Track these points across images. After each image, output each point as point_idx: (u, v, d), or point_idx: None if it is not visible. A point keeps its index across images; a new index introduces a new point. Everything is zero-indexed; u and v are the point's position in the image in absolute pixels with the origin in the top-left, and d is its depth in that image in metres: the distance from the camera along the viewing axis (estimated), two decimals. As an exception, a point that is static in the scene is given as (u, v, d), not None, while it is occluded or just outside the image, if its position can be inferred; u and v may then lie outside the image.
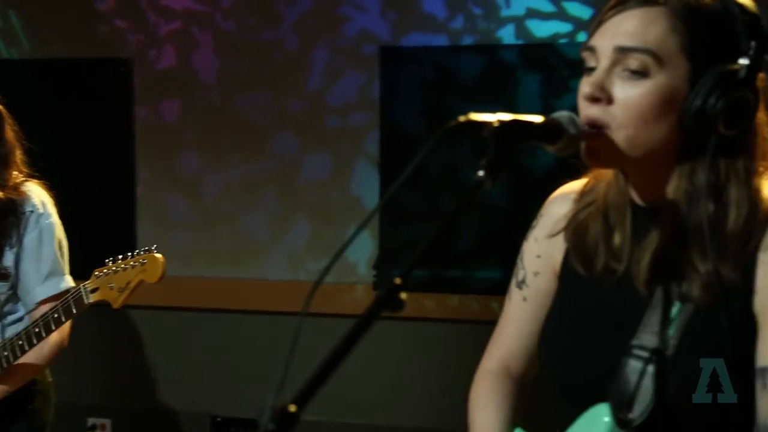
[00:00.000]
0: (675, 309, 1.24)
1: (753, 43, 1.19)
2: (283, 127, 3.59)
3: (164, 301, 3.60)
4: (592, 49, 1.25)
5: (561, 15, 3.32)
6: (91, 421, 3.80)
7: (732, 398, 1.20)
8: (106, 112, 3.71)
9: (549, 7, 3.33)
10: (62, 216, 2.37)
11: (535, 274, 1.45)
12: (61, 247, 2.35)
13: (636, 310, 1.27)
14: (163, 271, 2.07)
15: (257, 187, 3.62)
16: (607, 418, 1.25)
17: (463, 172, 3.31)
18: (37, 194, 2.33)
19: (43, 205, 2.33)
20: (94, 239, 3.15)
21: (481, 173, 1.07)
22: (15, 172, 2.34)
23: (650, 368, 1.23)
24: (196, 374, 3.71)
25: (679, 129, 1.21)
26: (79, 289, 2.13)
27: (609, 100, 1.21)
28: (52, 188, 2.38)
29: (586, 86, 1.23)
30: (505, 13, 3.37)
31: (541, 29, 3.34)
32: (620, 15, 1.23)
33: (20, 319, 2.37)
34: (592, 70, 1.24)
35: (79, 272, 2.33)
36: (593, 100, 1.21)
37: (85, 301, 2.12)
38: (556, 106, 3.28)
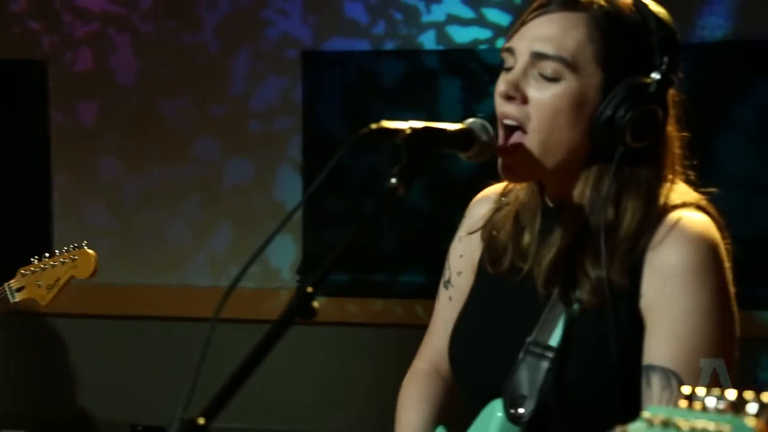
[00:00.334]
0: (568, 310, 1.27)
1: (666, 59, 1.23)
2: (204, 132, 3.56)
3: (84, 308, 3.53)
4: (510, 51, 1.28)
5: (480, 21, 3.36)
6: (6, 432, 3.71)
7: (617, 396, 1.23)
8: (20, 115, 3.62)
9: (469, 14, 3.37)
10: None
11: (459, 273, 1.48)
12: None
13: (534, 309, 1.30)
14: (95, 266, 2.05)
15: (179, 192, 3.58)
16: (500, 414, 1.29)
17: (386, 177, 3.31)
18: None
19: None
20: (9, 246, 3.08)
21: (393, 180, 1.09)
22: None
23: (542, 365, 1.26)
24: (116, 382, 3.65)
25: (589, 137, 1.24)
26: (4, 288, 2.08)
27: (524, 100, 1.25)
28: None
29: (502, 85, 1.27)
30: (426, 18, 3.40)
31: (462, 35, 3.37)
32: (541, 18, 1.26)
33: None
34: (509, 69, 1.27)
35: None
36: (508, 98, 1.25)
37: (11, 300, 2.07)
38: (477, 111, 3.33)
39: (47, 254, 2.08)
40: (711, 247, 1.23)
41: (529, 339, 1.28)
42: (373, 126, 1.09)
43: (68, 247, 2.07)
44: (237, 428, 3.32)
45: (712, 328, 1.22)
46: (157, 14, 3.55)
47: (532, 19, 1.27)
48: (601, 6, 1.25)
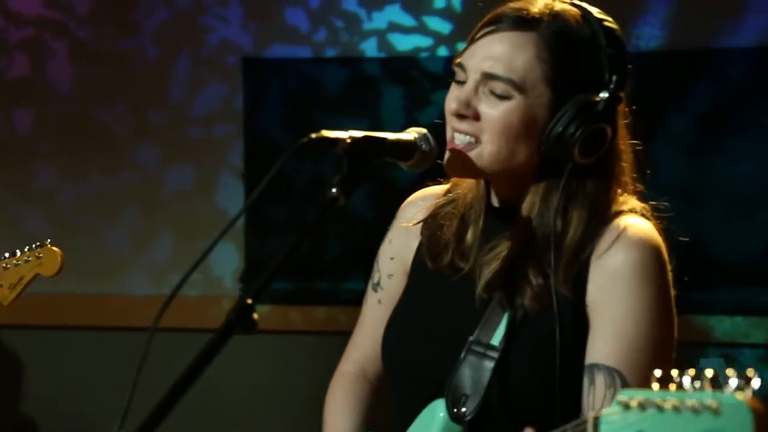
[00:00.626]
0: (510, 313, 1.29)
1: (614, 77, 1.25)
2: (143, 138, 3.51)
3: (20, 319, 3.44)
4: (461, 66, 1.30)
5: (422, 29, 3.38)
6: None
7: (558, 397, 1.25)
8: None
9: (410, 22, 3.38)
10: None
11: (389, 276, 1.48)
12: None
13: (476, 310, 1.32)
14: (61, 263, 2.03)
15: (117, 199, 3.53)
16: (442, 413, 1.29)
17: (329, 185, 3.32)
18: None
19: None
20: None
21: (334, 190, 1.09)
22: None
23: (485, 365, 1.27)
24: (53, 394, 3.58)
25: (538, 152, 1.27)
26: None
27: (475, 116, 1.27)
28: None
29: (453, 103, 1.28)
30: (367, 26, 3.41)
31: (403, 43, 3.38)
32: (492, 36, 1.28)
33: None
34: (460, 83, 1.28)
35: None
36: (460, 116, 1.27)
37: None
38: (419, 119, 3.38)
39: (7, 254, 2.05)
40: (655, 250, 1.27)
41: (471, 338, 1.29)
42: (313, 135, 1.10)
43: (31, 246, 2.04)
44: (178, 438, 3.28)
45: (655, 328, 1.25)
46: (94, 20, 3.50)
47: (483, 36, 1.29)
48: (550, 23, 1.27)
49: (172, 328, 3.48)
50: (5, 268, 2.03)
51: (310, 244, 3.44)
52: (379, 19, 3.40)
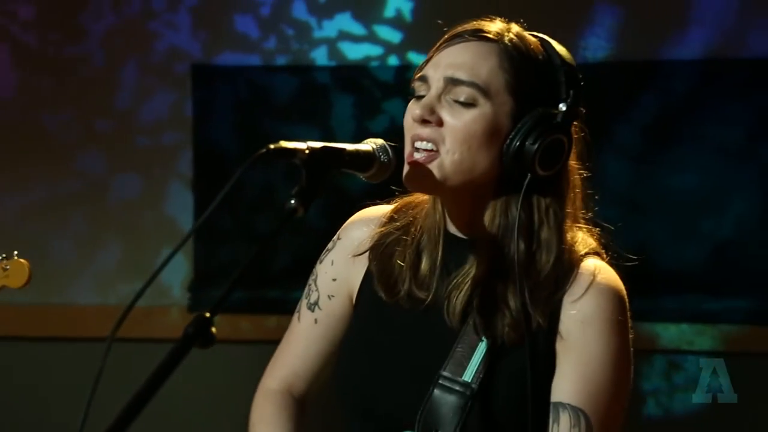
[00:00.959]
0: (483, 344, 1.29)
1: (571, 92, 1.27)
2: (90, 146, 3.46)
3: (-39, 330, 3.39)
4: (424, 78, 1.30)
5: (372, 38, 3.38)
6: None
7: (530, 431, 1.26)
8: None
9: (360, 30, 3.39)
10: None
11: (330, 297, 1.44)
12: None
13: (445, 341, 1.30)
14: (29, 274, 2.01)
15: (63, 207, 3.47)
16: None
17: (278, 194, 3.31)
18: None
19: None
20: None
21: (292, 202, 1.08)
22: None
23: (457, 400, 1.27)
24: (-3, 407, 3.51)
25: (499, 163, 1.27)
26: None
27: (439, 123, 1.27)
28: None
29: (417, 109, 1.27)
30: (317, 34, 3.40)
31: (353, 51, 3.39)
32: (455, 47, 1.29)
33: None
34: (422, 97, 1.29)
35: None
36: (423, 122, 1.26)
37: None
38: (370, 127, 3.38)
39: None
40: (623, 300, 1.31)
41: (442, 372, 1.28)
42: (272, 146, 1.09)
43: None
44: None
45: (619, 372, 1.29)
46: (38, 24, 3.44)
47: (445, 48, 1.30)
48: (511, 39, 1.29)
49: (119, 338, 3.46)
50: None
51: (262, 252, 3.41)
52: (330, 28, 3.40)
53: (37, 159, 3.46)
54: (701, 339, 3.23)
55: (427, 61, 1.32)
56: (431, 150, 1.27)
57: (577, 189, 1.35)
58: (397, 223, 1.39)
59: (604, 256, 1.35)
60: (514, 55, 1.28)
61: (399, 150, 1.26)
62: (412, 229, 1.36)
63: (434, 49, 1.32)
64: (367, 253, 1.40)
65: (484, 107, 1.26)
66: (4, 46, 3.44)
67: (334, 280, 1.44)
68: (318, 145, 1.13)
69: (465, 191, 1.29)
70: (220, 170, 3.40)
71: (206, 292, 3.39)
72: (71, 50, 3.45)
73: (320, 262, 1.47)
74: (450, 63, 1.28)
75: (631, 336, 1.32)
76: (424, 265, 1.33)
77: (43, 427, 3.50)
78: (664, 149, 3.25)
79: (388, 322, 1.36)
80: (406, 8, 3.36)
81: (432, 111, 1.26)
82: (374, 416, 1.34)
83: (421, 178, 1.27)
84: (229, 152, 3.41)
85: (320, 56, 3.40)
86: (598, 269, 1.30)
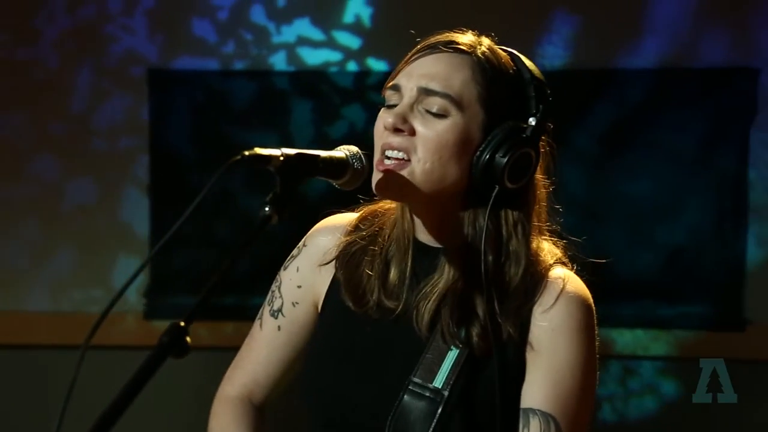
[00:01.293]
0: (452, 352, 1.29)
1: (541, 107, 1.29)
2: (43, 150, 3.41)
3: None
4: (396, 88, 1.30)
5: (331, 44, 3.38)
6: None
7: None
8: None
9: (319, 36, 3.38)
10: None
11: (294, 304, 1.44)
12: None
13: (414, 349, 1.31)
14: None
15: (15, 213, 3.41)
16: None
17: (236, 199, 3.29)
18: None
19: None
20: None
21: (267, 209, 1.07)
22: None
23: (427, 406, 1.27)
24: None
25: (468, 174, 1.28)
26: None
27: (411, 132, 1.27)
28: None
29: (389, 117, 1.27)
30: (276, 39, 3.39)
31: (312, 57, 3.38)
32: (428, 57, 1.30)
33: None
34: (393, 106, 1.29)
35: None
36: (396, 130, 1.27)
37: None
38: (329, 133, 3.38)
39: None
40: (590, 307, 1.33)
41: (412, 378, 1.29)
42: (246, 153, 1.08)
43: None
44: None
45: (587, 377, 1.31)
46: (-9, 26, 3.40)
47: (418, 58, 1.30)
48: (483, 52, 1.30)
49: (73, 345, 3.40)
50: None
51: (219, 258, 3.39)
52: (288, 33, 3.39)
53: (-12, 163, 3.41)
54: (656, 344, 3.28)
55: (398, 71, 1.32)
56: (402, 159, 1.27)
57: (543, 202, 1.36)
58: (363, 232, 1.39)
59: (570, 265, 1.36)
60: (486, 68, 1.29)
61: (371, 157, 1.26)
62: (380, 239, 1.36)
63: (406, 58, 1.32)
64: (333, 262, 1.40)
65: (456, 118, 1.27)
66: (-46, 48, 3.38)
67: (299, 287, 1.44)
68: (292, 151, 1.12)
69: (434, 201, 1.30)
70: (177, 176, 3.37)
71: (162, 298, 3.36)
72: (24, 53, 3.40)
73: (284, 269, 1.46)
74: (423, 73, 1.28)
75: (597, 342, 1.34)
76: (393, 274, 1.34)
77: (-7, 436, 3.43)
78: (619, 157, 3.30)
79: (356, 331, 1.36)
80: (366, 14, 3.37)
81: (404, 120, 1.27)
82: (342, 424, 1.34)
83: (391, 185, 1.27)
84: (187, 157, 3.38)
85: (279, 61, 3.39)
86: (566, 278, 1.32)
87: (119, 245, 3.40)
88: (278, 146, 1.12)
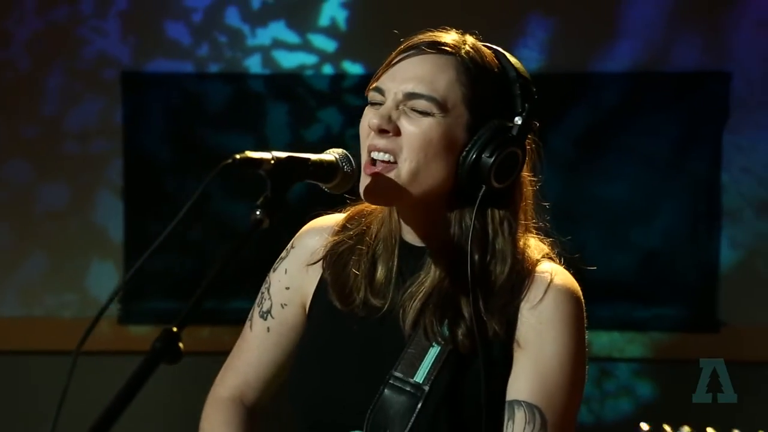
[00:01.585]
0: (434, 349, 1.29)
1: (527, 106, 1.28)
2: (14, 153, 3.37)
3: None
4: (379, 90, 1.29)
5: (306, 47, 3.37)
6: None
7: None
8: None
9: (294, 39, 3.37)
10: None
11: (283, 305, 1.44)
12: None
13: (398, 346, 1.31)
14: None
15: (-14, 217, 3.37)
16: None
17: (212, 203, 3.26)
18: None
19: None
20: None
21: (258, 213, 1.06)
22: None
23: (407, 400, 1.27)
24: None
25: (454, 174, 1.28)
26: None
27: (396, 132, 1.27)
28: None
29: (375, 118, 1.27)
30: (251, 42, 3.38)
31: (288, 60, 3.37)
32: (413, 59, 1.29)
33: None
34: (377, 104, 1.29)
35: None
36: (381, 131, 1.26)
37: None
38: (305, 136, 3.36)
39: None
40: (578, 300, 1.32)
41: (393, 372, 1.29)
42: (237, 156, 1.06)
43: None
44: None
45: (575, 371, 1.30)
46: (-40, 28, 3.35)
47: (403, 59, 1.30)
48: (468, 51, 1.30)
49: (46, 351, 3.37)
50: None
51: (195, 261, 3.37)
52: (264, 36, 3.38)
53: (-43, 167, 3.36)
54: (632, 346, 3.30)
55: (382, 71, 1.32)
56: (389, 161, 1.27)
57: (529, 200, 1.36)
58: (350, 232, 1.39)
59: (558, 260, 1.36)
60: (470, 68, 1.29)
61: (359, 158, 1.26)
62: (367, 238, 1.36)
63: (390, 59, 1.32)
64: (320, 262, 1.40)
65: (441, 119, 1.27)
66: None
67: (288, 288, 1.43)
68: (283, 155, 1.11)
69: (421, 202, 1.30)
70: (152, 179, 3.34)
71: (137, 303, 3.33)
72: (-6, 55, 3.37)
73: (273, 271, 1.46)
74: (408, 76, 1.28)
75: (586, 336, 1.33)
76: (380, 274, 1.34)
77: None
78: (594, 160, 3.32)
79: (342, 331, 1.36)
80: (341, 17, 3.36)
81: (389, 120, 1.27)
82: (330, 424, 1.33)
83: (379, 190, 1.27)
84: (161, 161, 3.36)
85: (254, 64, 3.37)
86: (554, 272, 1.31)
87: (93, 249, 3.36)
88: (254, 150, 1.11)
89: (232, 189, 3.18)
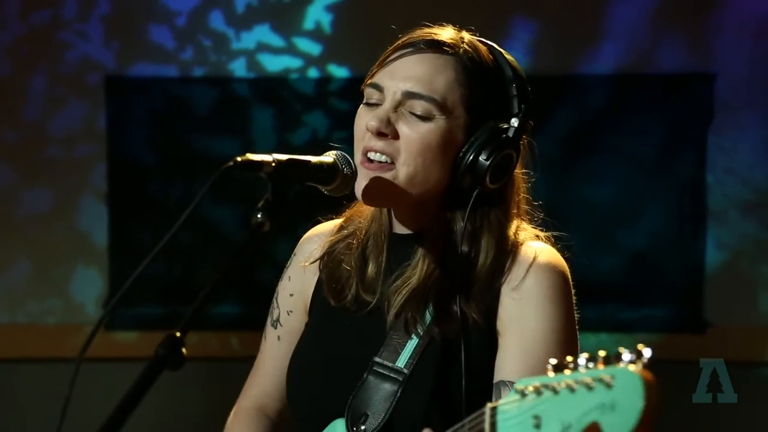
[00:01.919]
0: (418, 337, 1.29)
1: (523, 107, 1.28)
2: (-4, 159, 3.35)
3: None
4: (378, 87, 1.28)
5: (291, 50, 3.36)
6: None
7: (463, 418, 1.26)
8: None
9: (279, 42, 3.36)
10: None
11: (289, 312, 1.46)
12: None
13: (381, 334, 1.31)
14: None
15: (-32, 223, 3.34)
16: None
17: (200, 208, 3.24)
18: None
19: None
20: None
21: (259, 216, 1.05)
22: None
23: (390, 386, 1.28)
24: None
25: (450, 174, 1.28)
26: None
27: (395, 136, 1.26)
28: None
29: (372, 120, 1.26)
30: (236, 46, 3.36)
31: (273, 63, 3.35)
32: (411, 57, 1.28)
33: None
34: (374, 104, 1.27)
35: None
36: (379, 134, 1.25)
37: None
38: (291, 140, 3.35)
39: None
40: (563, 275, 1.31)
41: (375, 358, 1.29)
42: (238, 158, 1.06)
43: None
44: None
45: (561, 347, 1.27)
46: (-59, 32, 3.31)
47: (400, 57, 1.29)
48: (466, 50, 1.29)
49: (30, 358, 3.34)
50: None
51: (181, 267, 3.34)
52: (248, 39, 3.36)
53: (-61, 172, 3.32)
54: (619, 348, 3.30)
55: (379, 68, 1.30)
56: (386, 162, 1.26)
57: (522, 193, 1.37)
58: (346, 231, 1.40)
59: (544, 239, 1.35)
60: (469, 68, 1.28)
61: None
62: (358, 234, 1.37)
63: (387, 55, 1.31)
64: (318, 263, 1.40)
65: (440, 121, 1.27)
66: None
67: (291, 295, 1.45)
68: (284, 157, 1.11)
69: (414, 204, 1.30)
70: (136, 184, 3.32)
71: (123, 309, 3.30)
72: (-25, 59, 3.33)
73: (281, 280, 1.48)
74: (407, 75, 1.27)
75: (576, 314, 1.32)
76: (371, 269, 1.34)
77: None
78: (580, 161, 3.33)
79: (333, 326, 1.37)
80: (326, 20, 3.35)
81: (388, 123, 1.26)
82: (313, 414, 1.34)
83: (377, 190, 1.27)
84: (146, 165, 3.34)
85: (239, 68, 3.36)
86: (538, 251, 1.31)
87: (77, 255, 3.34)
88: (241, 154, 1.11)
89: (217, 194, 3.17)
